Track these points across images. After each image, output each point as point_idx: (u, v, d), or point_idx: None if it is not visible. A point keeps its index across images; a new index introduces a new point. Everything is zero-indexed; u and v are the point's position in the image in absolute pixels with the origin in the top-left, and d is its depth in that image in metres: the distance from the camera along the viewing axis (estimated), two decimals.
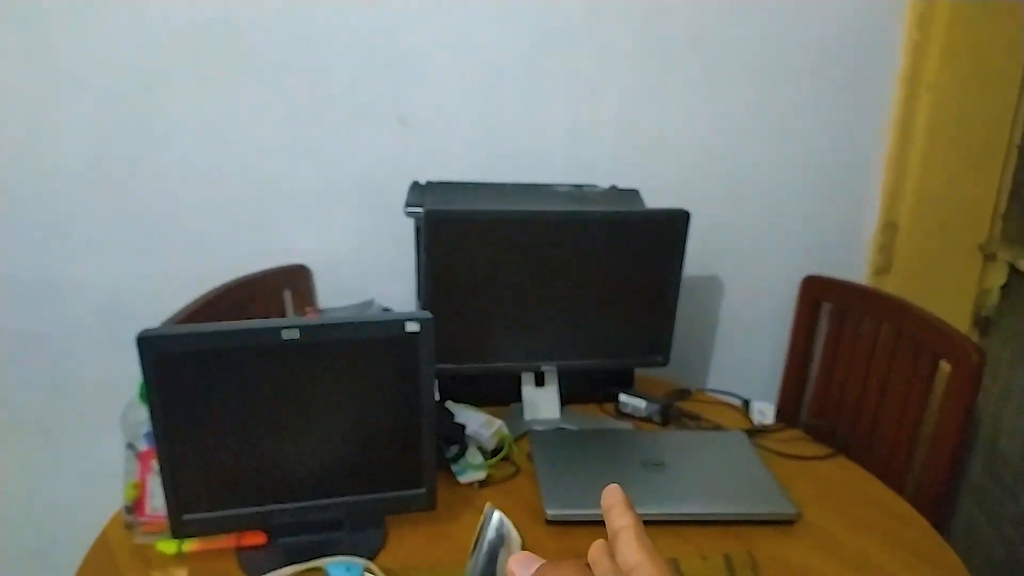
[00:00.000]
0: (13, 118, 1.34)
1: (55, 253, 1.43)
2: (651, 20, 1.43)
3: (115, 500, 1.04)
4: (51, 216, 1.41)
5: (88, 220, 1.42)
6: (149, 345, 0.80)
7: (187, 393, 0.83)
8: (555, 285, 1.24)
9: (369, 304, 1.41)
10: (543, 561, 0.38)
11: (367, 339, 0.86)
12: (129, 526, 0.98)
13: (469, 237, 1.18)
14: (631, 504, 0.39)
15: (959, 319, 1.63)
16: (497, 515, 0.66)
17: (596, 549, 0.38)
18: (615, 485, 0.40)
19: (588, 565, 0.37)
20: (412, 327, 0.85)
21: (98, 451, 1.53)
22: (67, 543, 1.49)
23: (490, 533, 0.66)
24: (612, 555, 0.37)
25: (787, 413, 1.53)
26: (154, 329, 0.81)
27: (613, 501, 0.39)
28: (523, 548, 0.69)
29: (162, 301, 1.25)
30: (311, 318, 1.19)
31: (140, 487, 0.97)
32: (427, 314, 0.86)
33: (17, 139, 1.35)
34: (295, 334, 0.82)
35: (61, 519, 1.57)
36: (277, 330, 0.82)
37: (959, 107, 1.52)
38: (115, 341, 1.48)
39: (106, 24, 1.32)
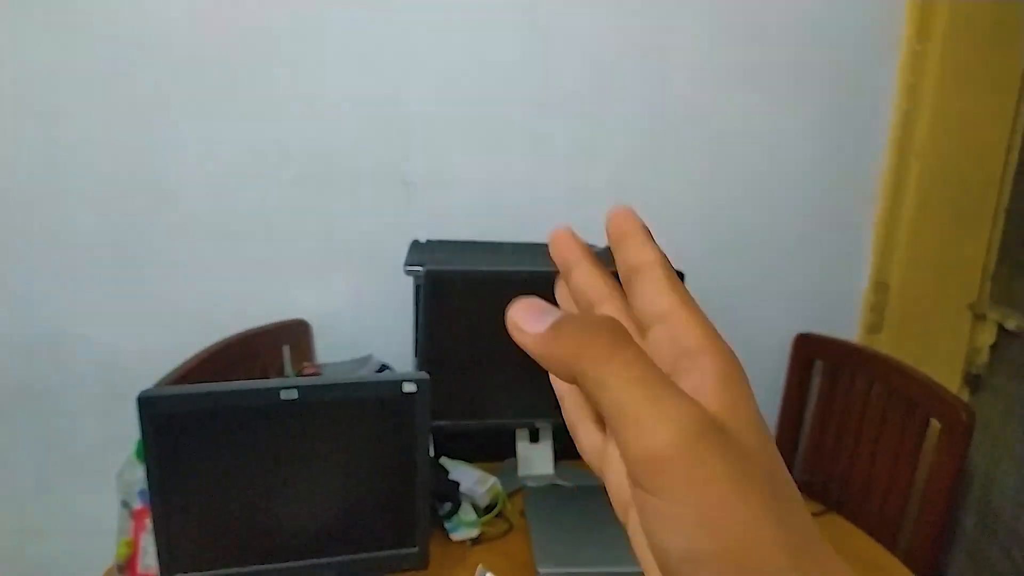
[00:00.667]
0: (21, 173, 1.38)
1: (59, 307, 1.45)
2: (650, 90, 1.49)
3: (106, 556, 1.04)
4: (57, 271, 1.43)
5: (93, 275, 1.45)
6: (149, 405, 0.81)
7: (184, 452, 0.85)
8: None
9: (367, 360, 1.43)
10: (558, 313, 0.26)
11: (364, 399, 0.88)
12: None
13: (467, 295, 1.21)
14: (652, 235, 0.29)
15: (950, 377, 1.65)
16: None
17: (597, 289, 0.28)
18: (626, 206, 0.29)
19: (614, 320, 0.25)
20: (409, 388, 0.87)
21: (92, 507, 1.52)
22: None
23: None
24: (626, 299, 0.27)
25: None
26: (154, 389, 0.83)
27: (628, 227, 0.29)
28: None
29: (162, 355, 1.26)
30: (309, 378, 1.21)
31: (133, 545, 0.97)
32: (424, 375, 0.88)
33: (25, 194, 1.39)
34: (293, 394, 0.84)
35: (52, 574, 1.56)
36: (276, 390, 0.84)
37: (948, 172, 1.57)
38: (113, 396, 1.49)
39: (117, 84, 1.37)
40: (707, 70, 1.50)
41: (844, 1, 1.50)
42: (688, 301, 0.27)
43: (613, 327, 0.25)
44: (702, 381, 0.25)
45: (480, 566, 0.69)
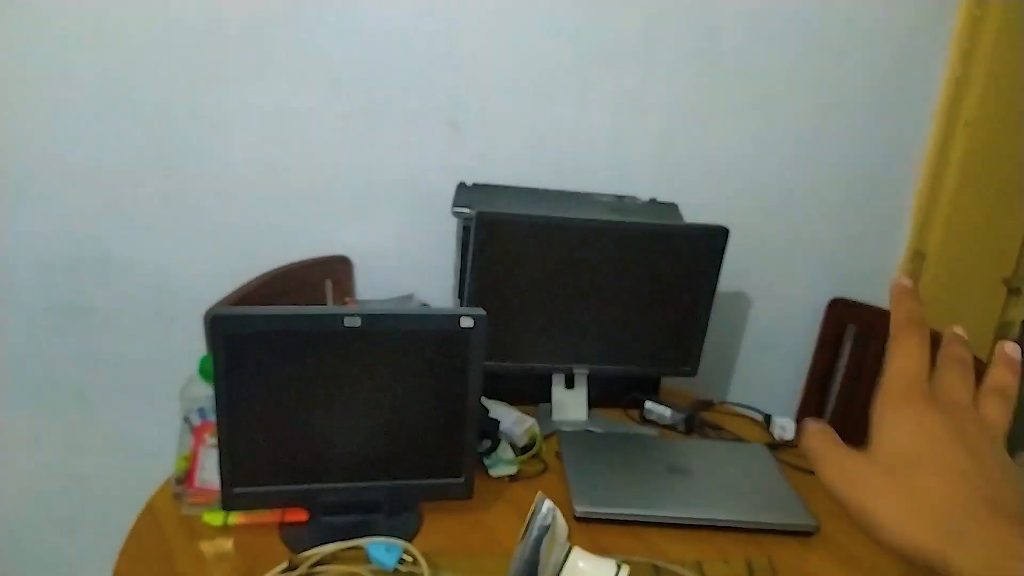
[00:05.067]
0: (79, 96, 1.39)
1: (107, 229, 1.48)
2: (702, 43, 1.48)
3: (152, 473, 1.08)
4: (106, 193, 1.45)
5: (142, 200, 1.47)
6: (219, 324, 0.84)
7: (250, 372, 0.88)
8: (592, 291, 1.28)
9: (409, 299, 1.46)
10: (811, 430, 0.44)
11: (423, 331, 0.90)
12: (177, 496, 1.02)
13: (515, 240, 1.23)
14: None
15: (979, 349, 1.66)
16: (547, 504, 0.70)
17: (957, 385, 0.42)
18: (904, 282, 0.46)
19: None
20: (467, 323, 0.89)
21: (134, 426, 1.59)
22: (106, 513, 1.54)
23: (539, 520, 0.70)
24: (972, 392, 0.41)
25: None
26: (224, 308, 0.86)
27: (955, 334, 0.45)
28: (568, 539, 0.73)
29: (206, 284, 1.30)
30: (372, 307, 1.24)
31: (192, 459, 1.01)
32: (481, 311, 0.90)
33: (80, 116, 1.40)
34: (357, 322, 0.87)
35: (98, 490, 1.62)
36: (340, 317, 0.86)
37: (994, 143, 1.56)
38: (159, 319, 1.53)
39: (173, 9, 1.37)
40: (757, 25, 1.49)
41: None
42: (889, 362, 0.43)
43: (816, 433, 0.44)
44: None
45: (540, 493, 0.72)
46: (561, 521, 0.72)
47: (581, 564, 0.72)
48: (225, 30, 1.39)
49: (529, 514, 0.71)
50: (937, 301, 1.65)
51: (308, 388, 0.91)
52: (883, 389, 0.42)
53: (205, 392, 0.96)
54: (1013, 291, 1.63)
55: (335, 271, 1.53)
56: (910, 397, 0.40)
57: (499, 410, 1.25)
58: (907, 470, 0.38)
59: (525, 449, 1.21)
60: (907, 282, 0.45)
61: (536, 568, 0.70)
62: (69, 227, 1.47)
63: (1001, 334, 1.66)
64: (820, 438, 0.43)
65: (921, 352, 0.42)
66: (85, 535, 1.64)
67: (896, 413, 0.40)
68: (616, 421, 1.38)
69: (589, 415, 1.36)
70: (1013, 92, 1.53)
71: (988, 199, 1.60)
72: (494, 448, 1.18)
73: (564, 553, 0.72)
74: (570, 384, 1.37)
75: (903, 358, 0.42)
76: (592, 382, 1.38)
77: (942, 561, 0.35)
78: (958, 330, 0.45)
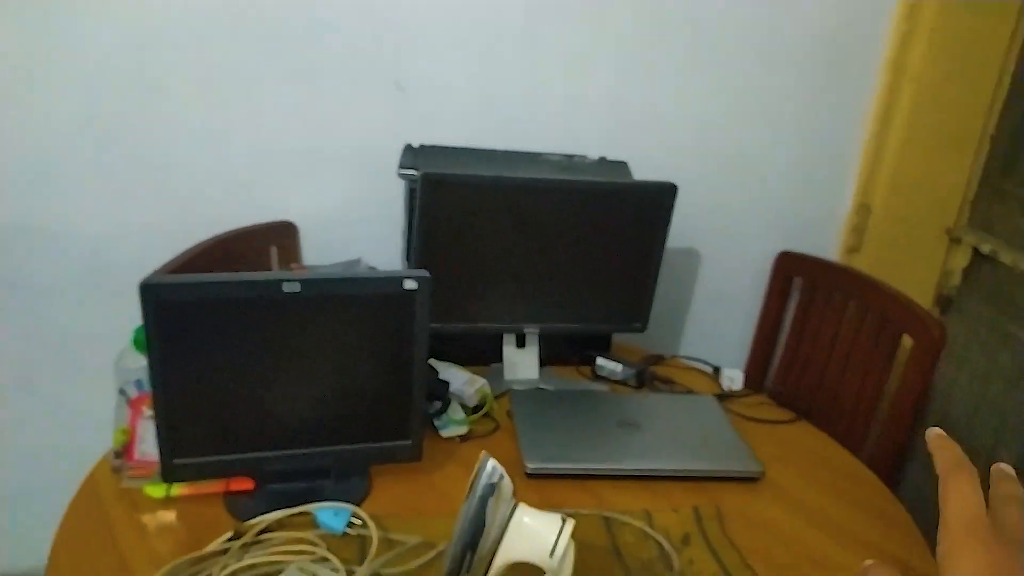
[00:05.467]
0: (4, 63, 1.32)
1: (41, 200, 1.42)
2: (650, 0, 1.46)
3: (94, 447, 1.06)
4: (38, 163, 1.39)
5: (76, 168, 1.41)
6: (152, 292, 0.81)
7: (186, 341, 0.85)
8: (541, 250, 1.27)
9: (356, 263, 1.43)
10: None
11: (365, 295, 0.89)
12: (117, 470, 1.00)
13: (462, 200, 1.21)
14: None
15: (922, 299, 1.71)
16: (491, 463, 0.70)
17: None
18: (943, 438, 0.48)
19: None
20: (410, 284, 0.88)
21: (77, 398, 1.54)
22: (48, 488, 1.50)
23: (483, 479, 0.69)
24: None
25: (754, 380, 1.60)
26: (157, 277, 0.83)
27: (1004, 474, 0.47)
28: (513, 496, 0.73)
29: (147, 253, 1.25)
30: (312, 271, 1.21)
31: (130, 432, 0.99)
32: (424, 272, 0.89)
33: (6, 85, 1.33)
34: (296, 287, 0.85)
35: (41, 465, 1.58)
36: (279, 282, 0.84)
37: (939, 97, 1.57)
38: (100, 290, 1.48)
39: None
40: None
41: None
42: (944, 502, 0.44)
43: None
44: None
45: (484, 452, 0.71)
46: (506, 479, 0.72)
47: (526, 520, 0.72)
48: None
49: (473, 473, 0.71)
50: (882, 252, 1.68)
51: (248, 356, 0.89)
52: (946, 531, 0.43)
53: (140, 363, 0.93)
54: (955, 240, 1.67)
55: (281, 237, 1.49)
56: (976, 535, 0.42)
57: (449, 371, 1.24)
58: None
59: (476, 409, 1.21)
60: (939, 431, 0.48)
61: (482, 527, 0.70)
62: (0, 199, 1.40)
63: (944, 282, 1.70)
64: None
65: (975, 492, 0.44)
66: (30, 512, 1.61)
67: (963, 552, 0.42)
68: (568, 378, 1.38)
69: (541, 373, 1.37)
70: (957, 47, 1.54)
71: (932, 152, 1.62)
72: (444, 409, 1.17)
73: (510, 510, 0.72)
74: (521, 343, 1.37)
75: (960, 500, 0.44)
76: (543, 341, 1.38)
77: None
78: (1006, 468, 0.47)
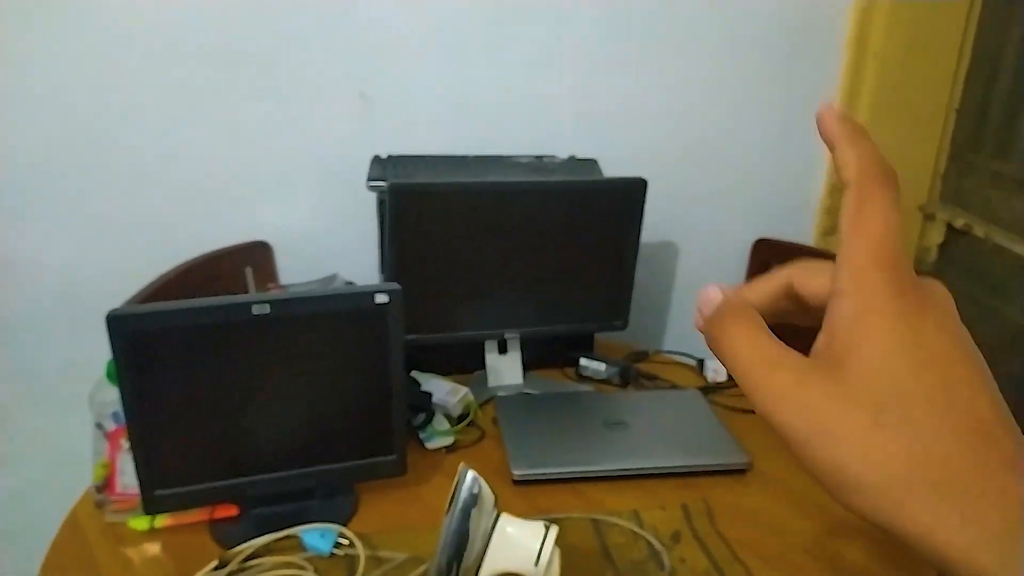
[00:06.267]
0: None
1: (9, 234, 1.40)
2: None
3: (76, 483, 1.04)
4: (4, 196, 1.37)
5: (43, 200, 1.39)
6: (119, 324, 0.80)
7: (157, 370, 0.84)
8: (517, 254, 1.27)
9: (332, 279, 1.42)
10: (716, 302, 0.32)
11: (337, 311, 0.88)
12: (99, 505, 0.98)
13: (432, 209, 1.20)
14: (857, 135, 0.29)
15: None
16: (471, 475, 0.69)
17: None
18: (829, 108, 0.30)
19: None
20: (381, 298, 0.87)
21: (57, 434, 1.52)
22: (30, 526, 1.48)
23: (464, 492, 0.69)
24: None
25: None
26: (123, 308, 0.82)
27: (832, 133, 0.30)
28: (495, 506, 0.72)
29: (121, 281, 1.24)
30: (281, 292, 1.20)
31: (110, 466, 0.97)
32: (395, 285, 0.88)
33: None
34: (265, 309, 0.84)
35: (23, 504, 1.56)
36: (247, 305, 0.83)
37: (903, 72, 1.58)
38: (73, 322, 1.46)
39: (65, 6, 1.28)
40: None
41: None
42: (862, 230, 0.27)
43: (728, 312, 0.31)
44: (822, 341, 0.29)
45: (462, 464, 0.71)
46: (487, 489, 0.71)
47: (510, 530, 0.71)
48: (118, 16, 1.30)
49: (453, 486, 0.70)
50: None
51: (222, 381, 0.88)
52: (856, 270, 0.27)
53: (115, 396, 0.92)
54: (928, 217, 1.68)
55: (255, 257, 1.48)
56: (903, 292, 0.26)
57: (431, 382, 1.24)
58: (904, 410, 0.25)
59: (461, 419, 1.21)
60: (838, 111, 0.30)
61: (466, 539, 0.69)
62: None
63: (920, 258, 1.71)
64: (744, 331, 0.30)
65: (899, 216, 0.27)
66: (14, 550, 1.58)
67: (884, 317, 0.26)
68: (553, 381, 1.38)
69: (525, 378, 1.36)
70: (917, 21, 1.55)
71: (901, 129, 1.62)
72: (428, 421, 1.17)
73: (492, 521, 0.71)
74: (503, 349, 1.36)
75: (881, 222, 0.27)
76: (526, 345, 1.37)
77: (964, 556, 0.23)
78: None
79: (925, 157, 1.67)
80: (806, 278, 0.32)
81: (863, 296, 0.27)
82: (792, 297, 0.33)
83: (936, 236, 1.67)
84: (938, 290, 0.28)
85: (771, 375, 0.29)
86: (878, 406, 0.25)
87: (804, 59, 1.58)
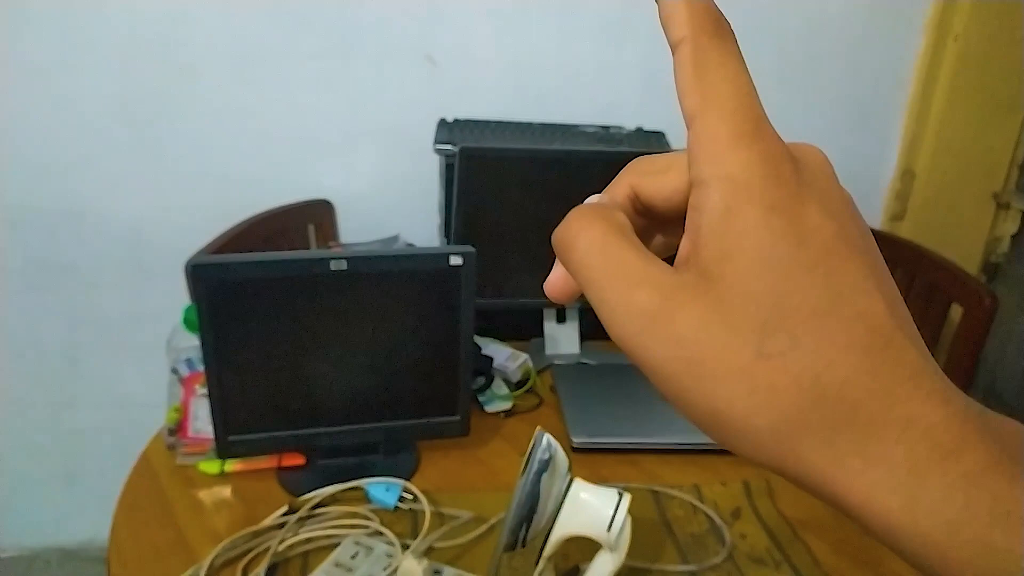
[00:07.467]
0: (39, 49, 1.33)
1: (79, 184, 1.43)
2: None
3: (139, 426, 1.08)
4: (76, 147, 1.41)
5: (113, 152, 1.42)
6: (200, 273, 0.82)
7: (236, 319, 0.86)
8: None
9: (395, 240, 1.43)
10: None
11: (411, 271, 0.89)
12: (171, 447, 1.01)
13: (500, 175, 1.20)
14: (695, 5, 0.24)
15: (968, 265, 1.67)
16: (547, 438, 0.70)
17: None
18: None
19: None
20: (456, 260, 0.87)
21: (123, 379, 1.57)
22: (93, 466, 1.54)
23: (539, 454, 0.69)
24: None
25: None
26: (205, 257, 0.83)
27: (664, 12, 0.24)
28: (568, 471, 0.73)
29: (184, 234, 1.26)
30: (358, 249, 1.22)
31: (183, 410, 1.00)
32: (469, 248, 0.88)
33: (42, 70, 1.34)
34: (343, 265, 0.85)
35: (86, 445, 1.62)
36: (326, 260, 0.84)
37: (983, 57, 1.52)
38: (139, 272, 1.50)
39: None
40: None
41: None
42: (711, 98, 0.22)
43: (577, 211, 0.25)
44: (688, 237, 0.22)
45: (539, 428, 0.71)
46: (561, 454, 0.71)
47: (583, 495, 0.72)
48: None
49: (528, 449, 0.71)
50: (927, 219, 1.64)
51: (297, 334, 0.89)
52: (714, 151, 0.22)
53: (191, 342, 0.94)
54: (1003, 206, 1.63)
55: (317, 215, 1.50)
56: (778, 172, 0.22)
57: (492, 347, 1.24)
58: (790, 332, 0.20)
59: (519, 384, 1.21)
60: None
61: (537, 501, 0.70)
62: (39, 183, 1.42)
63: (991, 248, 1.66)
64: (597, 235, 0.24)
65: (750, 75, 0.23)
66: (82, 488, 1.65)
67: (758, 211, 0.21)
68: (609, 352, 1.37)
69: (582, 348, 1.36)
70: (1005, 4, 1.49)
71: (977, 115, 1.57)
72: (488, 385, 1.17)
73: (565, 485, 0.72)
74: (562, 318, 1.36)
75: (732, 82, 0.23)
76: (584, 315, 1.37)
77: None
78: None
79: (1002, 144, 1.61)
80: (646, 180, 0.26)
81: (730, 184, 0.21)
82: (643, 212, 0.27)
83: (1010, 226, 1.62)
84: (813, 159, 0.24)
85: (629, 294, 0.22)
86: (760, 331, 0.20)
87: (881, 39, 1.53)
